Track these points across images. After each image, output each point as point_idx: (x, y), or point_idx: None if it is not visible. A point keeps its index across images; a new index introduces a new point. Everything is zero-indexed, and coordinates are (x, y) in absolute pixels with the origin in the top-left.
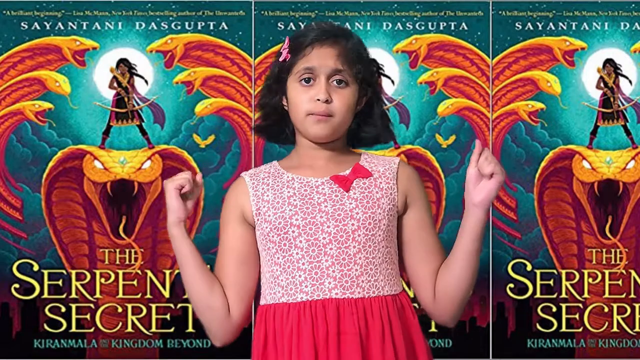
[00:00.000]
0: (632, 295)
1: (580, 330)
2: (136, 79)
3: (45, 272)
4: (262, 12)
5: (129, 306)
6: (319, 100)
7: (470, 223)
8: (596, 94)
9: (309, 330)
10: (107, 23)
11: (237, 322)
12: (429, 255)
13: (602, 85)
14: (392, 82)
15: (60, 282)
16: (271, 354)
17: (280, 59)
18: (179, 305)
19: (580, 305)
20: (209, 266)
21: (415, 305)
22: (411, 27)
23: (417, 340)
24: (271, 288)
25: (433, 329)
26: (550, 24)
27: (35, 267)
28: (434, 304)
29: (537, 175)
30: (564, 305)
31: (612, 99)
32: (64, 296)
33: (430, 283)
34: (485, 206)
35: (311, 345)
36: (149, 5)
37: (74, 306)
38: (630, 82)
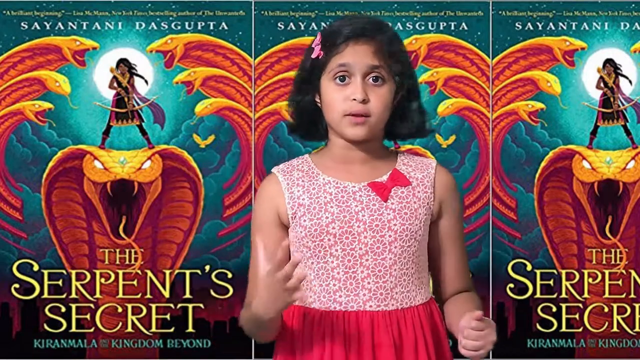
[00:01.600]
0: (632, 295)
1: (580, 330)
2: (136, 79)
3: (45, 272)
4: (262, 12)
5: (129, 306)
6: (355, 100)
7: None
8: (596, 94)
9: (341, 341)
10: (107, 23)
11: None
12: (448, 271)
13: (602, 85)
14: None
15: (60, 282)
16: (297, 356)
17: (313, 56)
18: (179, 305)
19: (580, 305)
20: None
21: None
22: (411, 27)
23: (445, 345)
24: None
25: None
26: (550, 24)
27: (35, 267)
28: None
29: (537, 175)
30: (564, 305)
31: (612, 99)
32: (64, 296)
33: (442, 295)
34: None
35: (343, 356)
36: (149, 5)
37: (74, 306)
38: (630, 82)
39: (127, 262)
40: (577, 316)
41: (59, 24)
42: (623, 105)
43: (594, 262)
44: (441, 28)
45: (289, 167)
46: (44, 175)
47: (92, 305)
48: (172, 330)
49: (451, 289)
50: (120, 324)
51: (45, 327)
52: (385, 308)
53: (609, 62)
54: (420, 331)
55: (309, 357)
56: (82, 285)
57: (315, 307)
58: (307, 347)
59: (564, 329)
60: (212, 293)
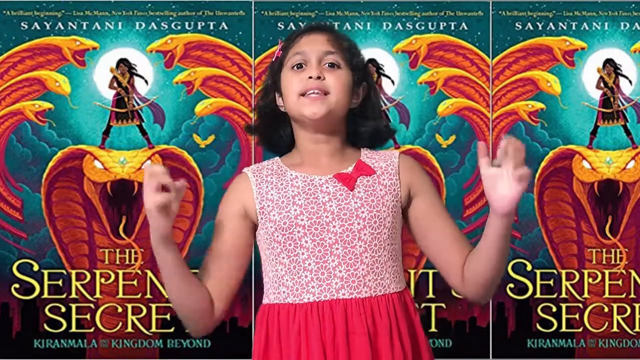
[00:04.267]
0: (632, 295)
1: (580, 330)
2: (136, 79)
3: (45, 272)
4: (262, 12)
5: (129, 306)
6: (310, 78)
7: (492, 228)
8: (596, 94)
9: (317, 331)
10: (107, 23)
11: (220, 317)
12: (450, 242)
13: (602, 85)
14: (392, 82)
15: (60, 282)
16: (274, 354)
17: (274, 59)
18: None
19: (580, 305)
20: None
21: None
22: (411, 27)
23: (420, 336)
24: (275, 288)
25: (433, 329)
26: (550, 24)
27: (35, 267)
28: (463, 286)
29: (537, 175)
30: (564, 305)
31: (612, 99)
32: (64, 296)
33: (457, 268)
34: (505, 213)
35: (320, 346)
36: (149, 5)
37: (74, 306)
38: (630, 82)
39: (127, 262)
40: (577, 316)
41: (59, 24)
42: (623, 105)
43: (594, 262)
44: (441, 28)
45: (259, 166)
46: (44, 175)
47: (92, 305)
48: (172, 330)
49: (463, 255)
50: (120, 324)
51: (45, 327)
52: (358, 296)
53: (609, 62)
54: (394, 319)
55: (286, 351)
56: (82, 285)
57: (289, 301)
58: (285, 343)
59: (564, 329)
60: None
